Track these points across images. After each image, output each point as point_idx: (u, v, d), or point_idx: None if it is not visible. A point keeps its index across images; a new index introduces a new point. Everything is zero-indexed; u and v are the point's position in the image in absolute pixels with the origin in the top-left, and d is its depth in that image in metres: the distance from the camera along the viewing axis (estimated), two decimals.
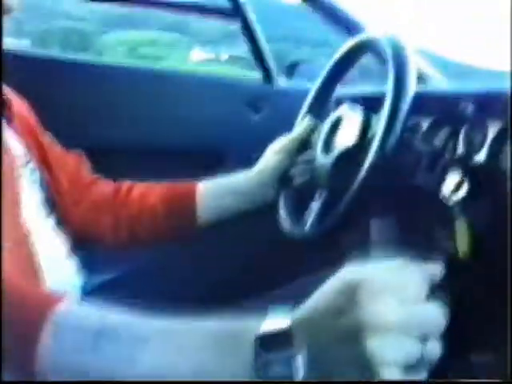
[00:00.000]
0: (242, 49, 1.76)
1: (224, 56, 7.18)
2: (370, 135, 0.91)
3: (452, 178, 0.94)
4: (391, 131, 0.85)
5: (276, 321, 0.53)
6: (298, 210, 1.00)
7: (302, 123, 1.09)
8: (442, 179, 0.94)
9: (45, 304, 0.55)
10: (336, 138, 0.97)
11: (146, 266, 1.16)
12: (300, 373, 0.50)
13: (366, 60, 1.14)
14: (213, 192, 1.06)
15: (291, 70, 1.66)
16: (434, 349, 0.52)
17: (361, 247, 1.35)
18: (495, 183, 0.96)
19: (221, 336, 0.54)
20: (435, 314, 0.52)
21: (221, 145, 1.51)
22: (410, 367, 0.51)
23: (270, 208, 1.03)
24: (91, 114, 1.40)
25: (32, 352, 0.52)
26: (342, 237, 1.21)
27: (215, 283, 1.05)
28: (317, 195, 0.96)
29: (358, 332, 0.50)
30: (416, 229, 1.23)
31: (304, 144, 1.07)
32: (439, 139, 1.13)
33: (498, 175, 0.99)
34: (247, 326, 0.54)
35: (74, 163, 1.05)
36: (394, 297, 0.51)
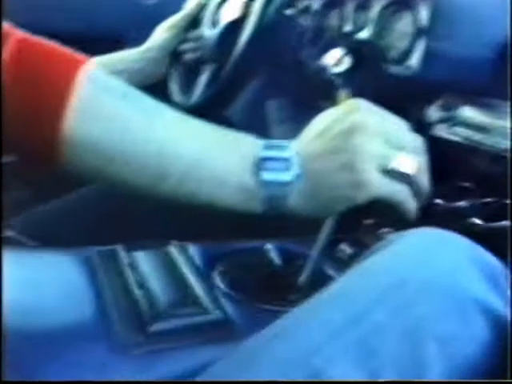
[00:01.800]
0: None
1: None
2: (251, 9, 0.93)
3: (334, 53, 0.98)
4: (268, 5, 0.87)
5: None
6: (187, 83, 1.03)
7: (191, 1, 1.09)
8: (324, 53, 0.98)
9: (72, 63, 0.53)
10: (222, 12, 0.99)
11: None
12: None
13: None
14: (103, 69, 1.05)
15: None
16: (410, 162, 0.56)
17: (260, 127, 1.41)
18: (376, 59, 1.02)
19: (226, 136, 0.56)
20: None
21: (117, 30, 1.48)
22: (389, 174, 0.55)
23: (161, 85, 1.05)
24: None
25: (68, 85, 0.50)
26: (240, 117, 1.25)
27: None
28: (204, 68, 0.99)
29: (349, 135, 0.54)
30: (306, 103, 1.28)
31: (193, 21, 1.09)
32: (327, 18, 1.17)
33: (378, 51, 1.04)
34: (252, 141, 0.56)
35: None
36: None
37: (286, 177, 0.54)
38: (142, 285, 0.61)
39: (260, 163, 0.54)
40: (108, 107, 0.52)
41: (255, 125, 1.37)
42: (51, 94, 0.50)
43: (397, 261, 0.53)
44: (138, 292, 0.60)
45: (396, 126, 0.58)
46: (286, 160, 0.54)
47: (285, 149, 0.55)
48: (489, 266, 0.54)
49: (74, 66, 0.52)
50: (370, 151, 0.54)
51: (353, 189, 0.54)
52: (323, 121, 0.58)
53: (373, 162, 0.54)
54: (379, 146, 0.55)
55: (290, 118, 1.38)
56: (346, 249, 0.72)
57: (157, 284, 0.61)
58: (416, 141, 0.58)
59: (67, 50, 0.54)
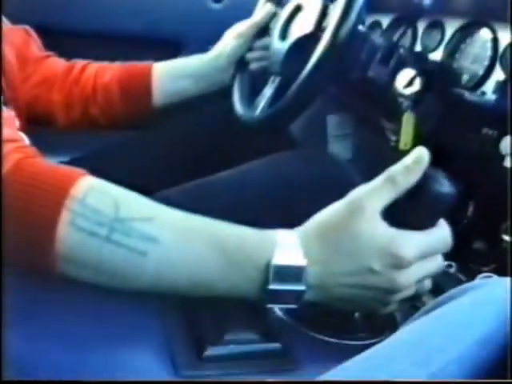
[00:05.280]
0: None
1: None
2: (325, 24, 0.91)
3: (406, 73, 0.94)
4: (345, 21, 0.84)
5: (288, 245, 0.55)
6: (252, 94, 1.01)
7: (261, 9, 1.08)
8: (395, 73, 0.95)
9: (59, 188, 0.53)
10: (293, 25, 0.96)
11: (101, 150, 1.15)
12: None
13: None
14: (169, 74, 1.05)
15: None
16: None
17: (320, 142, 1.39)
18: (448, 82, 0.98)
19: (233, 248, 0.55)
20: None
21: (180, 33, 1.47)
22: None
23: (225, 92, 1.04)
24: None
25: (50, 236, 0.51)
26: (300, 131, 1.23)
27: (175, 162, 1.07)
28: (270, 81, 0.96)
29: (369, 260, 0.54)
30: (368, 121, 1.25)
31: (262, 30, 1.07)
32: (397, 36, 1.14)
33: (451, 75, 1.00)
34: (262, 247, 0.55)
35: (21, 38, 1.02)
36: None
37: (297, 286, 0.54)
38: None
39: (270, 276, 0.54)
40: (92, 256, 0.53)
41: (315, 139, 1.35)
42: (41, 222, 0.52)
43: (477, 315, 0.50)
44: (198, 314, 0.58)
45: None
46: (297, 272, 0.54)
47: (298, 276, 0.54)
48: None
49: (62, 196, 0.52)
50: (405, 282, 0.56)
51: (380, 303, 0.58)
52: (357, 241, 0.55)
53: (406, 289, 0.57)
54: (413, 275, 0.56)
55: (350, 136, 1.36)
56: (425, 298, 0.70)
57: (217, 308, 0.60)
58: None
59: (61, 172, 0.55)
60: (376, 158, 1.22)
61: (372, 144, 1.30)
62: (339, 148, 1.34)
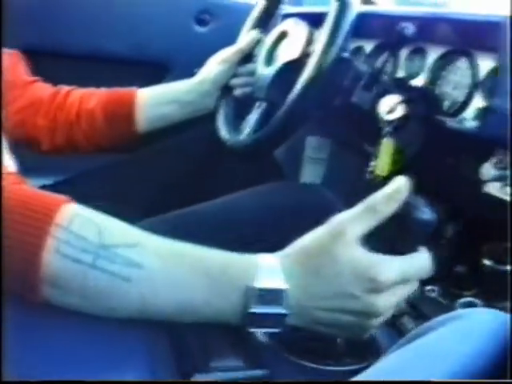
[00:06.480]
0: None
1: None
2: (310, 50, 0.92)
3: (388, 100, 0.96)
4: (331, 47, 0.86)
5: (270, 272, 0.56)
6: (236, 120, 1.02)
7: (246, 35, 1.09)
8: (378, 99, 0.96)
9: (44, 215, 0.53)
10: (279, 51, 0.98)
11: (85, 174, 1.15)
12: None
13: None
14: (152, 100, 1.06)
15: None
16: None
17: (295, 163, 1.40)
18: (430, 109, 0.99)
19: (216, 272, 0.55)
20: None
21: (166, 56, 1.49)
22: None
23: (209, 117, 1.04)
24: (33, 16, 1.36)
25: (35, 263, 0.52)
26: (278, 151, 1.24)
27: (159, 186, 1.07)
28: (255, 106, 0.97)
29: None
30: (347, 146, 1.27)
31: (247, 56, 1.08)
32: (380, 62, 1.15)
33: (433, 101, 1.02)
34: (244, 271, 0.55)
35: (9, 62, 1.02)
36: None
37: (278, 310, 0.55)
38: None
39: (252, 299, 0.54)
40: (77, 282, 0.53)
41: (291, 160, 1.35)
42: (26, 249, 0.52)
43: (457, 346, 0.50)
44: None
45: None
46: (278, 296, 0.55)
47: (279, 300, 0.55)
48: None
49: (47, 222, 0.53)
50: (384, 306, 0.57)
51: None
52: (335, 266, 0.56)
53: (385, 313, 0.58)
54: (391, 299, 0.57)
55: (324, 161, 1.37)
56: (407, 323, 0.70)
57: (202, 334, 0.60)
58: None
59: (45, 199, 0.55)
60: (347, 185, 1.23)
61: (346, 170, 1.31)
62: (311, 171, 1.36)
